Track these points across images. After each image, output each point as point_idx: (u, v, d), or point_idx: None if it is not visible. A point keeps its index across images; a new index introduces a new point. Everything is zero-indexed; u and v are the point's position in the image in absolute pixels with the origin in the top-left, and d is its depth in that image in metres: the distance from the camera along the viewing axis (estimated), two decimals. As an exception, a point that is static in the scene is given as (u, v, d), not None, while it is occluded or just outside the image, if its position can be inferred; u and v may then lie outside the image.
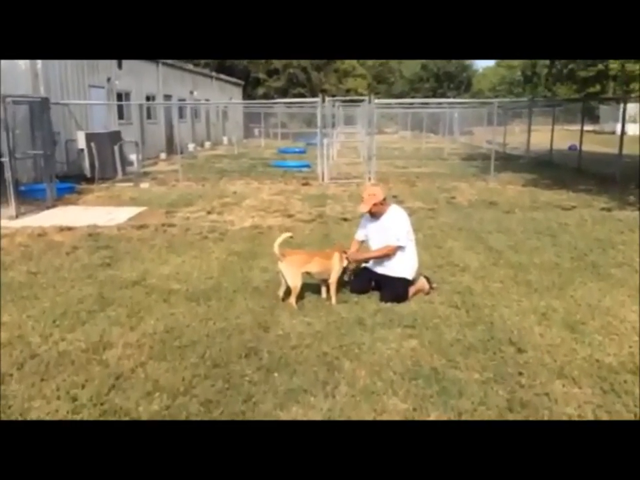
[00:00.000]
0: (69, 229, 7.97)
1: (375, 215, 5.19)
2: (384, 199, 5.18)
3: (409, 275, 5.21)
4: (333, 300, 4.94)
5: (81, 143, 13.83)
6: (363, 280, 5.29)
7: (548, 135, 19.94)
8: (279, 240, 4.77)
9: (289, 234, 5.00)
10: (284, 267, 4.81)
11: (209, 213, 9.28)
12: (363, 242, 5.44)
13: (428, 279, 5.38)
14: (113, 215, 9.22)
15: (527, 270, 6.03)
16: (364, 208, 5.15)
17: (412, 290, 5.21)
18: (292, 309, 4.76)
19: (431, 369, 3.73)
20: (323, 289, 5.07)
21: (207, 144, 27.76)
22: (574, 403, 3.32)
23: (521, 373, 3.69)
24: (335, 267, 4.96)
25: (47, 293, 5.12)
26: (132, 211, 9.50)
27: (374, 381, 3.55)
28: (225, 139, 30.04)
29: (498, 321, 4.60)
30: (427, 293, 5.27)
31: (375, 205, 5.10)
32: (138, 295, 5.06)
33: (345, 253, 5.12)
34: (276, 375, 3.61)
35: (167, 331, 4.26)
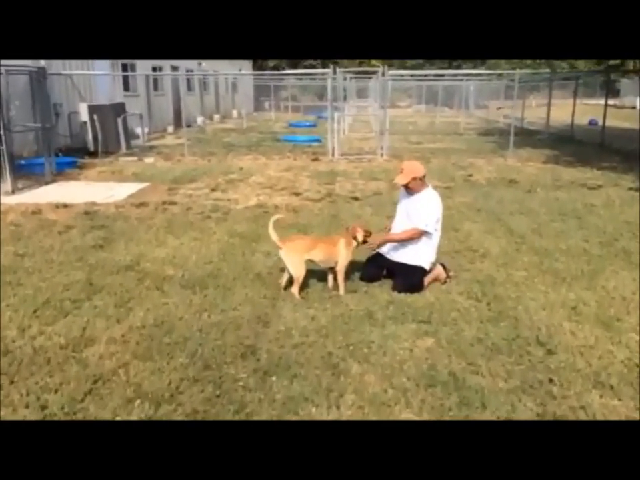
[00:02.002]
0: (65, 206, 7.57)
1: (410, 190, 4.75)
2: (423, 176, 4.74)
3: (426, 264, 4.76)
4: (341, 290, 4.52)
5: (84, 115, 13.35)
6: (375, 267, 4.84)
7: (566, 110, 19.13)
8: (271, 223, 4.34)
9: (278, 216, 4.56)
10: (285, 255, 4.39)
11: (212, 190, 8.83)
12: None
13: (444, 267, 4.94)
14: (113, 191, 8.81)
15: (552, 256, 5.55)
16: (402, 180, 4.70)
17: (427, 279, 4.78)
18: (295, 300, 4.34)
19: (449, 374, 3.31)
20: (330, 277, 4.64)
21: (216, 117, 27.11)
22: (614, 418, 2.88)
23: (551, 380, 3.26)
24: (342, 253, 4.53)
25: (31, 278, 4.73)
26: (133, 187, 9.08)
27: (384, 388, 3.14)
28: (235, 112, 29.37)
29: (523, 315, 4.16)
30: (444, 282, 4.83)
31: (413, 179, 4.66)
32: (129, 282, 4.66)
33: (366, 233, 4.67)
34: (274, 379, 3.20)
35: (157, 325, 3.86)
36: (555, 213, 7.40)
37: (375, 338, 3.75)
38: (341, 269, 4.54)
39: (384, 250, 4.90)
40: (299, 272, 4.38)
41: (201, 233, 6.25)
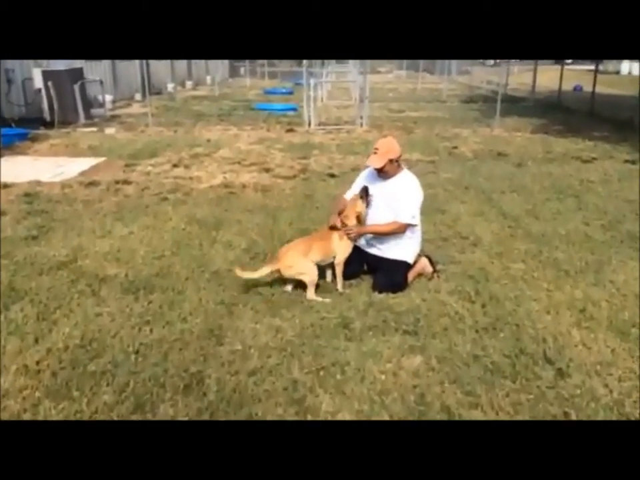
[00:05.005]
0: (5, 186, 6.70)
1: (384, 174, 4.02)
2: (399, 157, 4.01)
3: (410, 258, 4.10)
4: (339, 285, 3.99)
5: (38, 81, 12.25)
6: (354, 262, 4.14)
7: (548, 75, 18.41)
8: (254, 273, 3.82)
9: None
10: (289, 268, 3.80)
11: (174, 166, 7.98)
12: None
13: (430, 260, 4.28)
14: (63, 167, 7.93)
15: (551, 244, 4.93)
16: (377, 163, 3.95)
17: (411, 274, 4.13)
18: (256, 307, 3.66)
19: (442, 408, 2.67)
20: (329, 272, 4.10)
21: (189, 84, 25.85)
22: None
23: (567, 415, 2.64)
24: (339, 247, 3.96)
25: (-60, 282, 3.96)
26: (86, 163, 8.20)
27: (362, 433, 2.49)
28: (209, 79, 28.07)
29: (525, 322, 3.53)
30: (430, 278, 4.19)
31: (390, 160, 3.93)
32: (60, 285, 3.91)
33: (344, 224, 3.99)
34: (223, 423, 2.53)
35: (83, 345, 3.14)
36: (549, 190, 6.76)
37: (351, 357, 3.10)
38: (339, 263, 3.97)
39: (361, 243, 4.21)
40: (313, 275, 3.81)
41: (154, 218, 5.48)
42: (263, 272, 3.76)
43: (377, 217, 4.06)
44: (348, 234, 3.96)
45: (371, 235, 4.14)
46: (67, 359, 3.00)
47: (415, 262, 4.20)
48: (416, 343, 3.26)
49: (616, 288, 4.06)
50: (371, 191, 4.06)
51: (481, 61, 27.06)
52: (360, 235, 4.06)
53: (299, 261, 3.80)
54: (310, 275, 3.81)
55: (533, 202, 6.22)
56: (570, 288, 4.04)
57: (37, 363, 2.96)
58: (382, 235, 4.07)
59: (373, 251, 4.16)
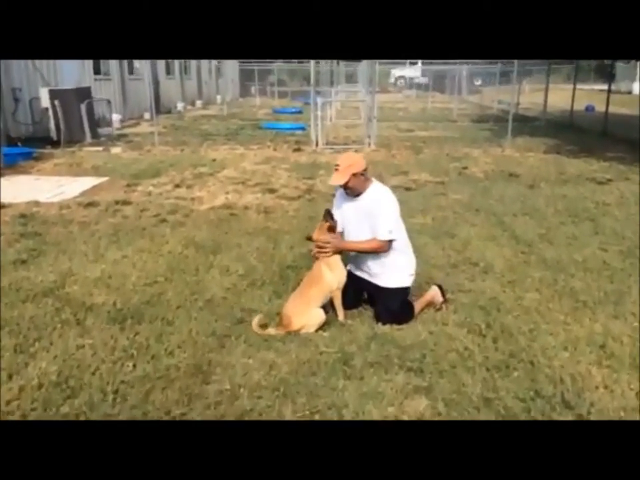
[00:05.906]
0: (3, 206, 6.55)
1: (351, 191, 3.76)
2: (365, 170, 3.75)
3: (407, 280, 3.83)
4: (340, 316, 3.74)
5: (45, 101, 12.22)
6: (352, 292, 3.87)
7: (559, 95, 18.21)
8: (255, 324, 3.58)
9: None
10: (303, 331, 3.57)
11: (176, 186, 7.80)
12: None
13: (441, 289, 4.02)
14: (64, 187, 7.79)
15: (567, 271, 4.64)
16: (339, 179, 3.67)
17: (419, 304, 3.87)
18: (250, 339, 3.41)
19: (450, 462, 2.39)
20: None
21: (198, 103, 25.96)
22: None
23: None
24: (331, 280, 3.69)
25: None
26: (88, 183, 8.06)
27: (359, 491, 2.21)
28: (219, 98, 28.17)
29: (541, 359, 3.25)
30: (439, 309, 3.92)
31: (354, 175, 3.66)
32: (43, 314, 3.68)
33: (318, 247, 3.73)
34: None
35: (59, 383, 2.90)
36: (564, 213, 6.48)
37: (350, 399, 2.83)
38: (336, 295, 3.72)
39: (354, 268, 3.96)
40: (321, 318, 3.62)
41: (150, 241, 5.26)
42: (271, 332, 3.53)
43: (359, 237, 3.79)
44: (325, 250, 3.70)
45: (358, 259, 3.90)
46: (40, 399, 2.75)
47: (425, 290, 3.96)
48: (421, 383, 2.98)
49: (638, 321, 3.77)
50: (345, 211, 3.84)
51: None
52: (338, 249, 3.75)
53: (307, 318, 3.57)
54: (320, 320, 3.60)
55: (546, 226, 5.94)
56: (589, 321, 3.75)
57: (7, 403, 2.72)
58: (364, 253, 3.82)
59: (368, 278, 3.91)
